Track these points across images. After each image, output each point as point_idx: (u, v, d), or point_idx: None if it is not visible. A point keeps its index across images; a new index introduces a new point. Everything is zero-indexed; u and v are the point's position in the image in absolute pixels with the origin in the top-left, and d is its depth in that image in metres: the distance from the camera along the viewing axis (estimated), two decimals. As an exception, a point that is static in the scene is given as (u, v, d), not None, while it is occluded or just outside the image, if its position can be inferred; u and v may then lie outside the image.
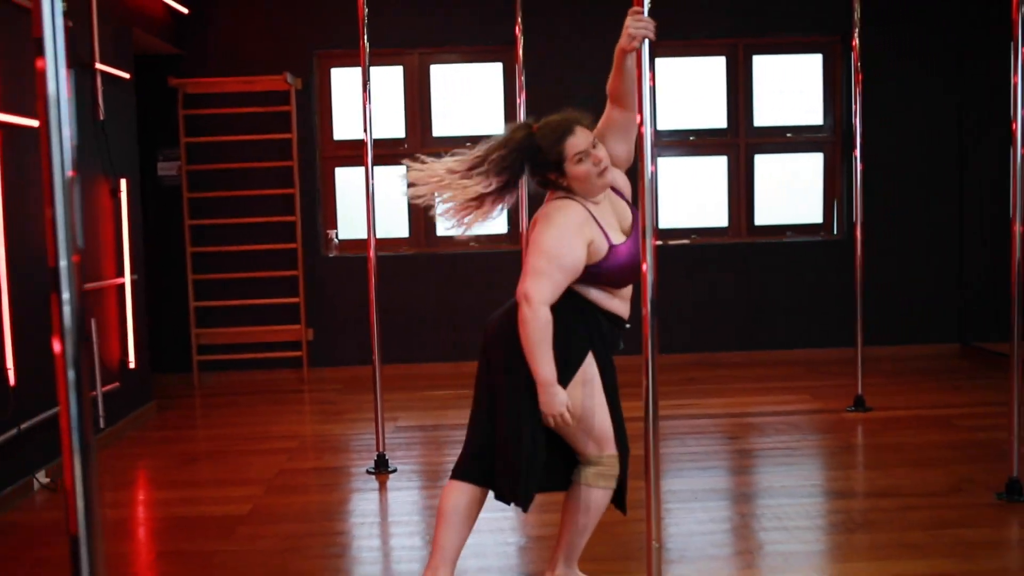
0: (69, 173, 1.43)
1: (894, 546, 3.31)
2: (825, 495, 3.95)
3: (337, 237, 6.92)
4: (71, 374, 1.44)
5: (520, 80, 5.68)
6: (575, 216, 2.79)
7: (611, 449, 2.81)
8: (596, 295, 2.85)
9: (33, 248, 4.33)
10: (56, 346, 1.42)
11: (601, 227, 2.82)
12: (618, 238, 2.83)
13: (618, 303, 2.88)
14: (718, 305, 6.93)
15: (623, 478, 2.85)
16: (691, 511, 3.72)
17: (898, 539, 3.37)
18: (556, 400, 2.70)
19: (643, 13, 2.53)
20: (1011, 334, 3.81)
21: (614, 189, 2.91)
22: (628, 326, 2.92)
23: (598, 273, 2.81)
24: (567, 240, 2.75)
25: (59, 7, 1.36)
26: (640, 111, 2.57)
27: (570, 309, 2.80)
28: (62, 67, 1.37)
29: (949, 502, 3.75)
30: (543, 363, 2.70)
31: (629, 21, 2.55)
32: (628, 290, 2.89)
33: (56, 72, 1.37)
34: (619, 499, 2.88)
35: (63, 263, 1.45)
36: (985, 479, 3.98)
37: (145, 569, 3.42)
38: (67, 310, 1.44)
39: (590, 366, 2.81)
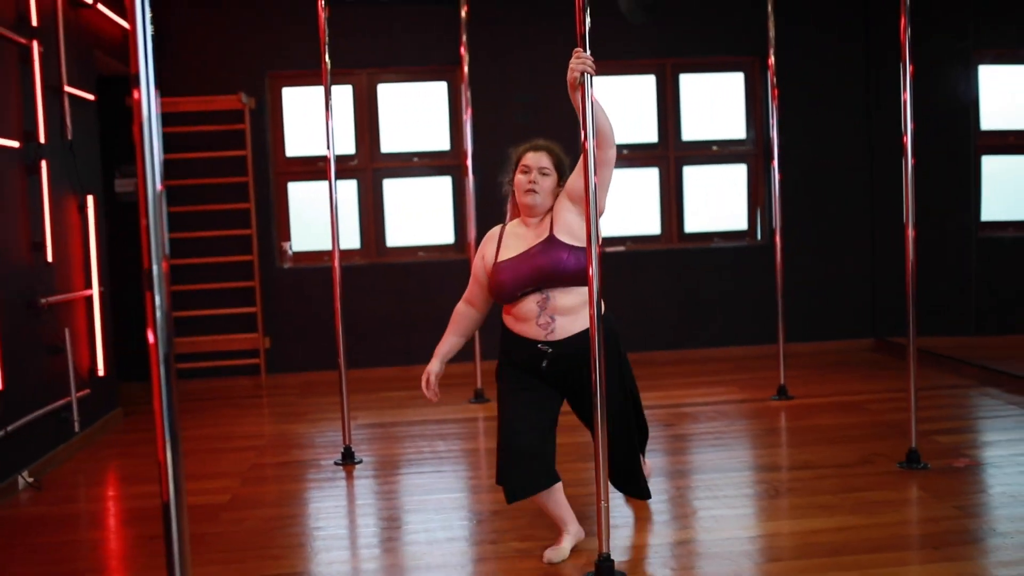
0: (159, 187, 1.69)
1: (810, 507, 3.79)
2: (751, 469, 4.42)
3: (291, 249, 7.23)
4: (163, 366, 1.69)
5: (466, 96, 6.10)
6: (488, 235, 3.46)
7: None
8: (504, 315, 3.38)
9: (14, 260, 4.60)
10: (150, 337, 1.68)
11: (499, 244, 3.37)
12: (507, 256, 3.32)
13: (513, 320, 3.33)
14: (652, 307, 7.40)
15: (505, 465, 3.25)
16: (633, 486, 4.14)
17: (813, 502, 3.85)
18: (425, 369, 3.48)
19: (585, 51, 2.97)
20: (907, 328, 4.33)
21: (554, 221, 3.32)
22: (544, 348, 3.27)
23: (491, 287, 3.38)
24: (477, 252, 3.47)
25: (150, 48, 1.66)
26: (584, 129, 3.02)
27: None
28: (153, 98, 1.69)
29: (858, 471, 4.25)
30: (442, 339, 3.51)
31: (572, 59, 3.00)
32: (526, 311, 3.26)
33: (148, 102, 1.68)
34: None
35: (155, 268, 1.68)
36: (891, 453, 4.49)
37: (141, 549, 3.72)
38: (159, 309, 1.67)
39: (500, 371, 3.41)
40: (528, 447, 3.22)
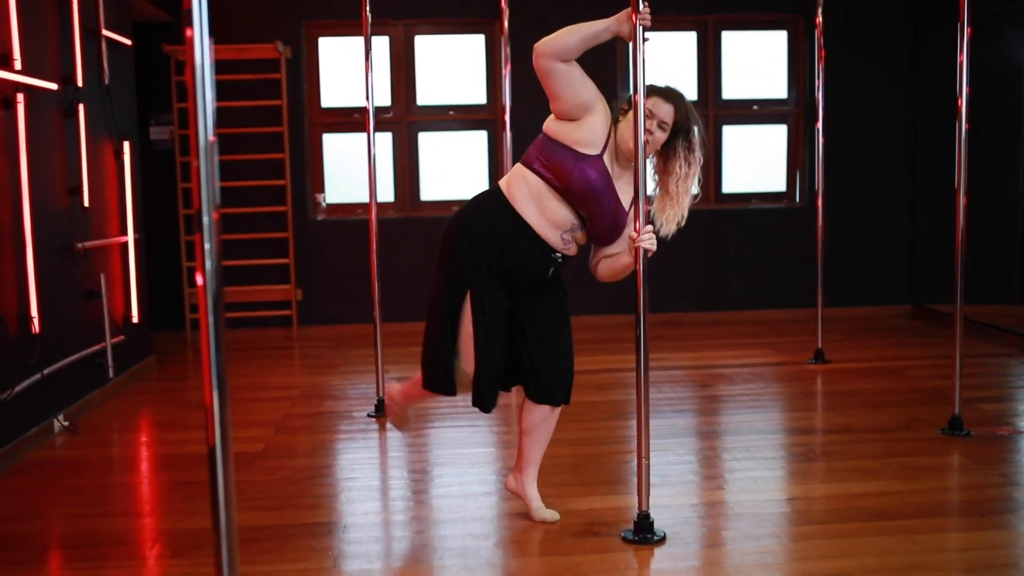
0: (211, 137, 1.60)
1: (848, 471, 3.73)
2: (788, 432, 4.37)
3: (325, 201, 7.20)
4: (212, 314, 1.61)
5: (506, 51, 6.00)
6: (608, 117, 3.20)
7: None
8: (527, 198, 3.15)
9: (51, 204, 4.59)
10: (199, 280, 1.61)
11: (608, 142, 3.15)
12: (607, 163, 3.14)
13: (537, 212, 3.12)
14: (686, 268, 7.32)
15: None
16: (669, 446, 4.10)
17: (852, 466, 3.79)
18: None
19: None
20: (955, 295, 4.22)
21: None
22: (557, 257, 3.20)
23: None
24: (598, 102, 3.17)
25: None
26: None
27: None
28: (207, 42, 1.60)
29: (898, 437, 4.18)
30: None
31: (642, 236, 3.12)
32: (560, 219, 3.15)
33: (202, 42, 1.60)
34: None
35: (206, 218, 1.62)
36: (931, 418, 4.41)
37: (176, 494, 3.73)
38: (208, 256, 1.61)
39: (471, 260, 3.21)
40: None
